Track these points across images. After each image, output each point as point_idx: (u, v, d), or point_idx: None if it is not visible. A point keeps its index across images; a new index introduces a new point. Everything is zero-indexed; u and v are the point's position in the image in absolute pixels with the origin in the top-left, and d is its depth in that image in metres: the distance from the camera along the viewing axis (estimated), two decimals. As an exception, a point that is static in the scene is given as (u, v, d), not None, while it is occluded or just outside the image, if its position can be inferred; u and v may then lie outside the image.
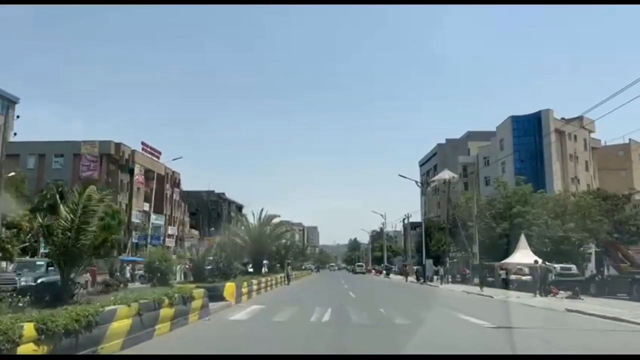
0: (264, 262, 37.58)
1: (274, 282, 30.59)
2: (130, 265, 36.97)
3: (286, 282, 37.48)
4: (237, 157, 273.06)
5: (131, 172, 56.18)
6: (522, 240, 32.86)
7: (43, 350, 6.29)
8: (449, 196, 46.08)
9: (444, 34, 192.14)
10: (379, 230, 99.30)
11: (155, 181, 60.21)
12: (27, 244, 27.71)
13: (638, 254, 28.78)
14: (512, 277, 29.43)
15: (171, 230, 65.16)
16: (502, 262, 32.49)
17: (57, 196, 11.80)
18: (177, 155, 72.76)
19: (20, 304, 8.01)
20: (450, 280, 41.21)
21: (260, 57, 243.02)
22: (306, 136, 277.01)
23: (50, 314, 6.78)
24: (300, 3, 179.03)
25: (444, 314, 16.26)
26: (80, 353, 7.14)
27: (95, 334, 7.50)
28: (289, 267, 43.30)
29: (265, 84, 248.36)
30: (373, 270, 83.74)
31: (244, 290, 20.36)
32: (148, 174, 59.65)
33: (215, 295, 16.02)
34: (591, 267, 35.74)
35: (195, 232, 72.77)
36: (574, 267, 32.97)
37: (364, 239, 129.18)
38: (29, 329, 6.08)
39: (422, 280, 42.06)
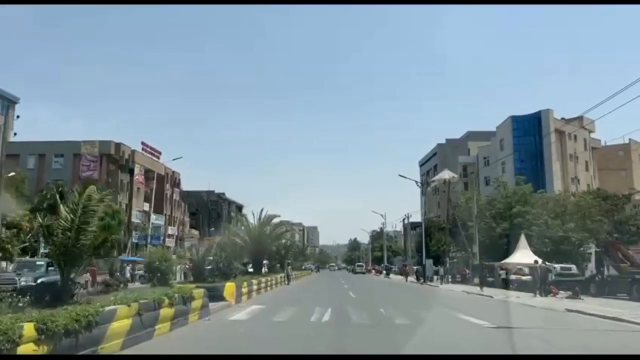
0: (264, 262, 37.58)
1: (274, 282, 30.58)
2: (130, 265, 36.99)
3: (286, 282, 37.48)
4: (237, 157, 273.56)
5: (131, 172, 56.20)
6: (522, 240, 32.86)
7: (43, 350, 6.29)
8: (449, 196, 46.08)
9: (444, 34, 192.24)
10: (379, 230, 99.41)
11: (155, 181, 60.25)
12: (27, 244, 27.71)
13: (638, 254, 28.78)
14: (512, 277, 29.43)
15: (171, 230, 65.17)
16: (502, 262, 32.50)
17: (57, 196, 11.78)
18: (177, 155, 73.07)
19: (20, 304, 8.00)
20: (450, 280, 41.20)
21: (260, 57, 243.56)
22: (306, 136, 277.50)
23: (50, 314, 6.78)
24: (300, 3, 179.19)
25: (444, 314, 16.25)
26: (80, 353, 7.14)
27: (95, 334, 7.50)
28: (289, 267, 43.29)
29: (265, 84, 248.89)
30: (373, 270, 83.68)
31: (244, 290, 20.36)
32: (148, 174, 59.68)
33: (215, 295, 16.01)
34: (591, 267, 35.75)
35: (195, 232, 72.78)
36: (574, 267, 32.97)
37: (364, 239, 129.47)
38: (29, 329, 6.08)
39: (422, 280, 42.05)
